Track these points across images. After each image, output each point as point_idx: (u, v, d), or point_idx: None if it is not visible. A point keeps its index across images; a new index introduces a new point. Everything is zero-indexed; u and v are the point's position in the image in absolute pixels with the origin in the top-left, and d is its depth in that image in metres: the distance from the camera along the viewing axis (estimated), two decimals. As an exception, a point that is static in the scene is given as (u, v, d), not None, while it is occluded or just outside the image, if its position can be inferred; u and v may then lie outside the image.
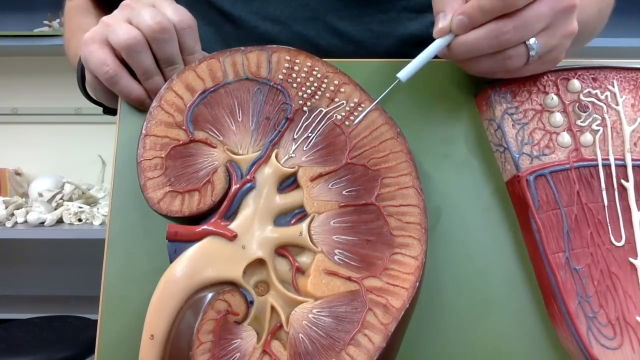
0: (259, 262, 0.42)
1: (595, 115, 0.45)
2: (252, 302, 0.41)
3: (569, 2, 0.42)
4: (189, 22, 0.47)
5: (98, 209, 1.80)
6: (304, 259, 0.42)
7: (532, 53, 0.42)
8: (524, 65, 0.43)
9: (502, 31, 0.41)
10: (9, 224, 1.72)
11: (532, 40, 0.42)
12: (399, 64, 0.49)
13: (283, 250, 0.42)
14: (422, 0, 0.59)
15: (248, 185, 0.43)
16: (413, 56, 0.59)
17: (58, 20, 1.90)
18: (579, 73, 0.46)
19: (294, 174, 0.44)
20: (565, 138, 0.44)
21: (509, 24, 0.41)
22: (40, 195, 1.79)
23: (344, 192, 0.43)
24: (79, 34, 0.59)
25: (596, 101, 0.45)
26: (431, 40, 0.43)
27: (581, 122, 0.45)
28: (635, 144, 0.44)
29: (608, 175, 0.44)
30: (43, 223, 1.71)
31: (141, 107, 0.49)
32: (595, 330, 0.41)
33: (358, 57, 0.58)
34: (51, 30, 1.88)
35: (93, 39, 0.47)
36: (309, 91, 0.45)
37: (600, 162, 0.44)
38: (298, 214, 0.43)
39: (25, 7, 2.02)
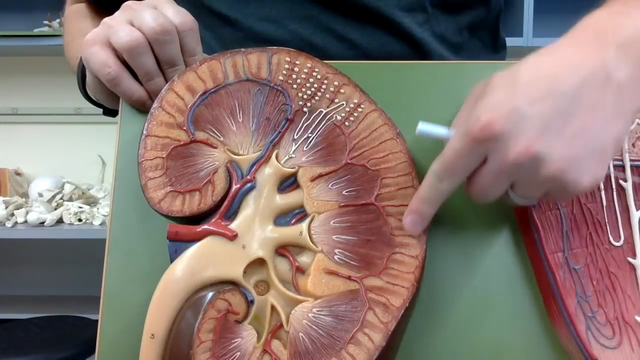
0: (259, 262, 0.42)
1: (593, 116, 0.45)
2: (252, 302, 0.41)
3: (514, 157, 0.35)
4: (190, 24, 0.48)
5: (98, 209, 1.80)
6: (304, 259, 0.43)
7: (522, 202, 0.40)
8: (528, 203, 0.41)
9: (473, 197, 0.39)
10: (9, 224, 1.73)
11: (510, 193, 0.39)
12: (398, 66, 0.50)
13: (283, 250, 0.43)
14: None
15: (248, 185, 0.43)
16: (409, 55, 0.60)
17: (58, 20, 1.90)
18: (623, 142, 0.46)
19: (294, 174, 0.44)
20: (564, 138, 0.44)
21: (472, 193, 0.39)
22: (40, 195, 1.79)
23: (344, 192, 0.43)
24: (79, 37, 0.59)
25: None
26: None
27: (580, 122, 0.45)
28: (633, 145, 0.45)
29: (607, 176, 0.44)
30: (43, 223, 1.71)
31: (142, 108, 0.49)
32: (594, 329, 0.41)
33: (353, 55, 0.59)
34: (51, 30, 1.88)
35: (94, 40, 0.47)
36: (309, 92, 0.45)
37: (598, 162, 0.44)
38: (298, 214, 0.43)
39: (25, 7, 2.02)
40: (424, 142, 0.48)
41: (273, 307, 0.41)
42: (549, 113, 0.34)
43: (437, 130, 0.40)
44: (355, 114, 0.45)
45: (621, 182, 0.44)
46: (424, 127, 0.40)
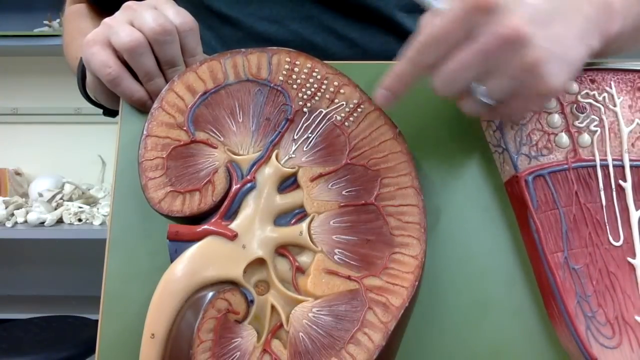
0: (260, 262, 0.42)
1: (593, 117, 0.45)
2: (252, 301, 0.41)
3: (506, 32, 0.35)
4: (190, 24, 0.48)
5: (98, 209, 1.80)
6: (304, 259, 0.43)
7: (484, 100, 0.39)
8: (497, 110, 0.40)
9: (435, 84, 0.39)
10: (9, 224, 1.73)
11: (474, 85, 0.38)
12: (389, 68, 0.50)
13: (283, 249, 0.43)
14: None
15: (248, 185, 0.43)
16: None
17: (58, 20, 1.90)
18: (577, 75, 0.46)
19: (294, 174, 0.44)
20: (563, 139, 0.44)
21: (438, 75, 0.38)
22: (40, 195, 1.79)
23: (343, 192, 0.43)
24: (79, 37, 0.59)
25: (594, 102, 0.46)
26: None
27: (579, 123, 0.45)
28: (632, 145, 0.45)
29: (606, 176, 0.44)
30: (43, 223, 1.71)
31: (142, 108, 0.49)
32: (594, 329, 0.41)
33: (353, 55, 0.59)
34: (51, 30, 1.88)
35: (95, 40, 0.47)
36: (309, 92, 0.45)
37: (598, 162, 0.44)
38: (298, 213, 0.44)
39: (25, 7, 2.02)
40: (424, 142, 0.48)
41: (273, 307, 0.41)
42: (541, 8, 0.36)
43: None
44: (355, 114, 0.45)
45: (620, 182, 0.44)
46: None
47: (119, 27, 0.46)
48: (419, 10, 0.59)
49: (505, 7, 0.36)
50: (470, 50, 0.37)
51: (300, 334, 0.40)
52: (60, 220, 1.76)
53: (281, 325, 0.41)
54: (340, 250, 0.42)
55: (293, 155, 0.44)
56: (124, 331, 0.46)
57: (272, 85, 0.45)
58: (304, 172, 0.44)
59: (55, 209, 1.78)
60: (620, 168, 0.44)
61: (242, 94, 0.45)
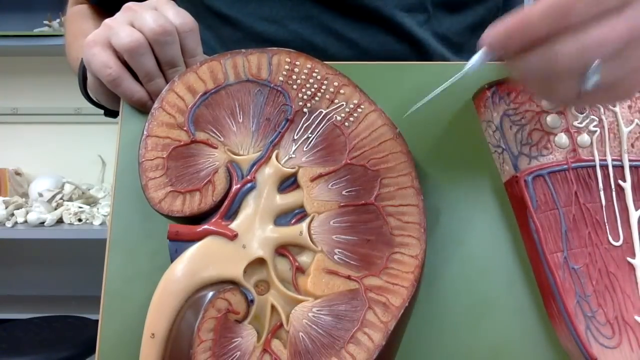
0: (260, 262, 0.42)
1: (592, 117, 0.45)
2: (252, 301, 0.41)
3: None
4: (191, 25, 0.48)
5: (98, 209, 1.80)
6: (304, 259, 0.43)
7: (588, 84, 0.34)
8: (577, 97, 0.36)
9: (556, 55, 0.33)
10: (9, 224, 1.73)
11: (593, 67, 0.33)
12: (398, 66, 0.50)
13: (283, 249, 0.43)
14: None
15: (249, 185, 0.43)
16: (410, 55, 0.60)
17: (58, 20, 1.90)
18: None
19: (294, 175, 0.44)
20: (563, 139, 0.44)
21: (566, 46, 0.33)
22: (40, 195, 1.79)
23: (343, 192, 0.44)
24: (80, 38, 0.59)
25: (594, 102, 0.46)
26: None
27: (578, 123, 0.45)
28: (632, 145, 0.45)
29: (605, 176, 0.44)
30: (43, 223, 1.71)
31: (143, 108, 0.49)
32: (594, 329, 0.41)
33: (353, 55, 0.59)
34: (51, 30, 1.88)
35: (95, 41, 0.47)
36: (309, 93, 0.45)
37: (597, 162, 0.44)
38: (298, 213, 0.44)
39: (25, 7, 2.02)
40: (424, 142, 0.48)
41: (273, 307, 0.41)
42: None
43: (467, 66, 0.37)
44: (355, 115, 0.45)
45: (620, 182, 0.44)
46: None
47: (120, 28, 0.46)
48: (420, 9, 0.59)
49: None
50: (623, 23, 0.32)
51: (300, 333, 0.40)
52: (60, 220, 1.76)
53: (281, 325, 0.41)
54: (340, 250, 0.42)
55: (293, 156, 0.44)
56: (124, 331, 0.46)
57: (272, 85, 0.45)
58: (304, 172, 0.44)
59: (55, 209, 1.78)
60: (619, 168, 0.44)
61: (243, 95, 0.45)
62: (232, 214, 0.43)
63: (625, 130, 0.45)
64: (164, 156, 0.44)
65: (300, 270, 0.42)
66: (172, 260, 0.41)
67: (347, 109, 0.45)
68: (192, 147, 0.44)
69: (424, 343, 0.45)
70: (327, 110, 0.45)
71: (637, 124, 0.45)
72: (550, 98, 0.38)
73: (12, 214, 1.77)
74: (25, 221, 1.74)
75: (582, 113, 0.45)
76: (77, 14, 0.71)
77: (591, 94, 0.35)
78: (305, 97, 0.45)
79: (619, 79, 0.35)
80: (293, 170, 0.44)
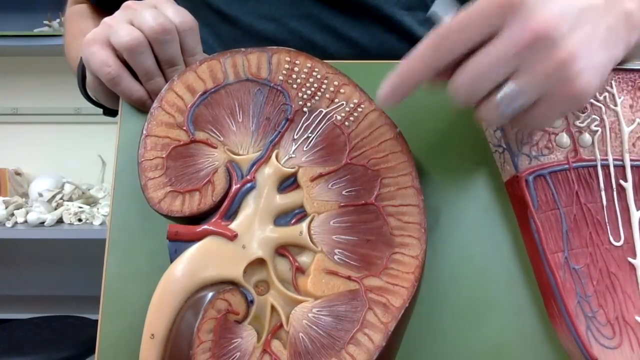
0: (259, 262, 0.42)
1: (593, 116, 0.45)
2: (252, 302, 0.41)
3: (538, 26, 0.34)
4: (190, 23, 0.48)
5: (98, 209, 1.80)
6: (304, 259, 0.43)
7: (508, 106, 0.36)
8: (520, 117, 0.37)
9: (454, 90, 0.36)
10: (9, 224, 1.73)
11: (502, 95, 0.35)
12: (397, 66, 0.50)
13: (283, 250, 0.43)
14: None
15: (248, 185, 0.43)
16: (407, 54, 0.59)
17: (58, 20, 1.90)
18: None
19: (294, 174, 0.44)
20: (564, 139, 0.44)
21: (459, 80, 0.35)
22: (40, 195, 1.79)
23: (343, 192, 0.43)
24: (80, 38, 0.59)
25: (594, 102, 0.45)
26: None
27: (580, 122, 0.45)
28: (633, 145, 0.45)
29: (607, 176, 0.44)
30: (43, 223, 1.71)
31: (142, 107, 0.49)
32: (594, 329, 0.41)
33: (352, 54, 0.59)
34: (51, 30, 1.89)
35: (95, 39, 0.47)
36: (309, 92, 0.45)
37: (599, 162, 0.44)
38: (298, 214, 0.43)
39: (25, 7, 2.03)
40: (424, 142, 0.48)
41: (273, 307, 0.41)
42: (570, 8, 0.35)
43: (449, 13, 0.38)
44: (355, 114, 0.45)
45: (621, 182, 0.44)
46: (437, 8, 0.38)
47: (119, 27, 0.46)
48: (420, 7, 0.59)
49: (533, 3, 0.34)
50: (498, 47, 0.34)
51: (300, 334, 0.40)
52: (60, 220, 1.76)
53: (281, 326, 0.41)
54: (340, 251, 0.42)
55: (293, 155, 0.44)
56: (124, 331, 0.46)
57: (272, 84, 0.45)
58: (304, 172, 0.44)
59: (55, 209, 1.78)
60: (621, 168, 0.44)
61: (242, 94, 0.45)
62: (231, 214, 0.43)
63: (626, 129, 0.45)
64: (164, 156, 0.44)
65: (300, 270, 0.42)
66: (171, 261, 0.41)
67: (347, 109, 0.45)
68: (192, 147, 0.44)
69: (424, 344, 0.45)
70: (327, 110, 0.45)
71: (638, 123, 0.45)
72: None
73: (12, 214, 1.77)
74: (25, 221, 1.74)
75: (582, 112, 0.45)
76: (77, 14, 0.71)
77: (525, 114, 0.37)
78: (305, 96, 0.45)
79: (539, 92, 0.35)
80: (293, 170, 0.44)
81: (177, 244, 0.42)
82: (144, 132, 0.44)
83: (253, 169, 0.44)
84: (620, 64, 0.41)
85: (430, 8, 0.38)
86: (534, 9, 0.34)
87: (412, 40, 0.59)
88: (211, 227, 0.42)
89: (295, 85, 0.45)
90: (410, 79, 0.37)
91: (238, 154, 0.44)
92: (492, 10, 0.35)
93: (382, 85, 0.38)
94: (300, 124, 0.45)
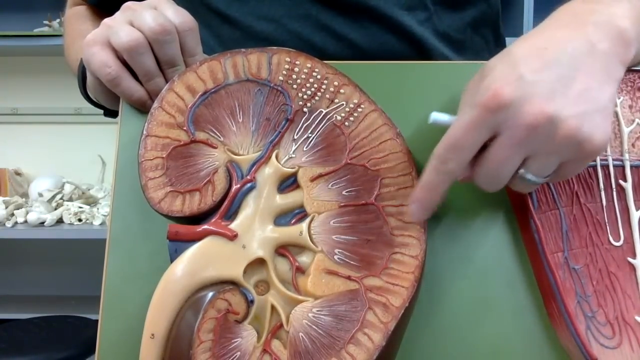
0: (260, 262, 0.42)
1: (593, 116, 0.45)
2: (252, 302, 0.41)
3: (530, 120, 0.35)
4: (190, 24, 0.48)
5: (98, 209, 1.80)
6: (304, 259, 0.43)
7: (534, 180, 0.38)
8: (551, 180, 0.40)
9: (479, 183, 0.39)
10: (9, 224, 1.73)
11: (522, 172, 0.38)
12: (398, 66, 0.50)
13: (283, 250, 0.43)
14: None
15: (248, 185, 0.43)
16: (410, 54, 0.59)
17: (58, 20, 1.90)
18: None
19: (294, 174, 0.44)
20: (564, 139, 0.44)
21: (480, 177, 0.39)
22: (40, 195, 1.79)
23: (343, 192, 0.43)
24: (79, 39, 0.59)
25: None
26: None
27: (579, 122, 0.45)
28: (633, 145, 0.45)
29: (606, 176, 0.44)
30: (43, 223, 1.71)
31: (142, 108, 0.49)
32: (594, 329, 0.41)
33: (352, 55, 0.59)
34: (51, 30, 1.88)
35: (95, 40, 0.47)
36: (309, 92, 0.45)
37: (598, 162, 0.44)
38: (298, 213, 0.43)
39: (25, 7, 2.02)
40: (424, 142, 0.48)
41: (273, 307, 0.41)
42: (551, 78, 0.36)
43: (450, 118, 0.40)
44: (355, 114, 0.45)
45: (621, 182, 0.44)
46: (437, 116, 0.40)
47: (119, 27, 0.46)
48: (420, 7, 0.59)
49: (521, 97, 0.35)
50: (502, 146, 0.37)
51: (300, 334, 0.40)
52: (60, 220, 1.76)
53: (281, 326, 0.41)
54: (340, 250, 0.42)
55: (293, 155, 0.44)
56: (124, 331, 0.46)
57: (272, 85, 0.45)
58: (304, 172, 0.44)
59: (55, 209, 1.78)
60: (620, 168, 0.44)
61: (242, 94, 0.45)
62: (231, 214, 0.43)
63: (626, 130, 0.45)
64: (164, 156, 0.44)
65: (300, 270, 0.42)
66: (171, 261, 0.41)
67: (347, 109, 0.45)
68: (192, 147, 0.44)
69: (424, 343, 0.45)
70: (327, 110, 0.45)
71: (637, 123, 0.45)
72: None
73: (12, 214, 1.76)
74: (25, 221, 1.74)
75: None
76: (76, 16, 0.71)
77: (553, 177, 0.39)
78: (305, 96, 0.45)
79: (558, 162, 0.38)
80: (293, 170, 0.44)
81: (177, 243, 0.42)
82: (144, 132, 0.44)
83: (253, 169, 0.44)
84: None
85: (430, 116, 0.41)
86: (522, 102, 0.36)
87: (412, 40, 0.59)
88: (211, 227, 0.42)
89: (295, 86, 0.45)
90: (431, 190, 0.40)
91: (238, 154, 0.44)
92: (481, 120, 0.36)
93: (410, 201, 0.41)
94: (300, 124, 0.45)
